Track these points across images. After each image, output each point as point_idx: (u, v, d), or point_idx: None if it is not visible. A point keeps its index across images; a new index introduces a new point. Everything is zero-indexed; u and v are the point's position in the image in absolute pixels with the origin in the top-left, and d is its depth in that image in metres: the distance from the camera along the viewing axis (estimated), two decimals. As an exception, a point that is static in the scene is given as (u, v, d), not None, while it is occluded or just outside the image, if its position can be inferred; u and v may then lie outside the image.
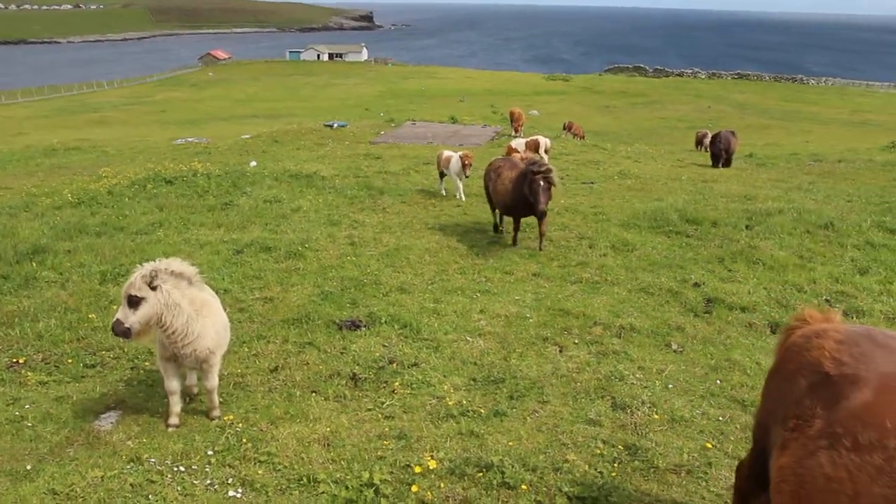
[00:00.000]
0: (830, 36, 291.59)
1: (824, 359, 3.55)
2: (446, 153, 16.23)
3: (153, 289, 5.67)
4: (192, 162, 19.89)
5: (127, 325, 5.65)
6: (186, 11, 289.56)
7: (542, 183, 11.09)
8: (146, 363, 7.66)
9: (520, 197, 11.51)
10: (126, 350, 7.98)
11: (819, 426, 3.30)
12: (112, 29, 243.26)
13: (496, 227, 13.25)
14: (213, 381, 6.35)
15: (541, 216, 11.44)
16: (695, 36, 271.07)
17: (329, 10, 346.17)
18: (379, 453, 5.77)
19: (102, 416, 6.50)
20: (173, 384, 6.22)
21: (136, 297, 5.63)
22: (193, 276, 5.97)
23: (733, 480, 5.47)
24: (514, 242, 12.18)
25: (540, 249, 11.77)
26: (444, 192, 16.32)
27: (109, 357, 7.86)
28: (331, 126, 33.65)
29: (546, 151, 20.22)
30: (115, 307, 8.94)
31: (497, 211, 13.05)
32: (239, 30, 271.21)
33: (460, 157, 15.34)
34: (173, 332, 5.81)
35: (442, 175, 16.33)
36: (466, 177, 15.62)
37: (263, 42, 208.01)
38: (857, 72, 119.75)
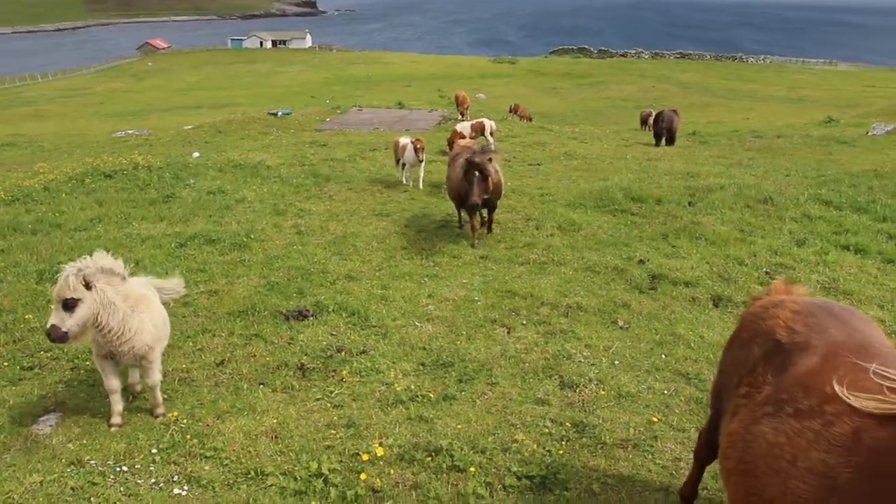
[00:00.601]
0: (761, 15, 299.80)
1: (778, 327, 3.61)
2: (402, 140, 15.95)
3: (88, 288, 5.49)
4: (132, 154, 19.35)
5: (64, 330, 5.46)
6: (123, 0, 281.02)
7: (475, 174, 10.58)
8: (86, 363, 7.45)
9: (461, 185, 11.01)
10: (65, 351, 7.73)
11: (767, 392, 3.35)
12: (45, 19, 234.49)
13: (460, 223, 12.53)
14: (155, 377, 6.20)
15: (471, 209, 10.92)
16: (634, 16, 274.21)
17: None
18: (327, 443, 5.72)
19: (41, 419, 6.31)
20: (113, 383, 6.07)
21: (72, 299, 5.44)
22: (124, 271, 5.80)
23: (679, 452, 5.61)
24: (473, 243, 11.34)
25: (487, 232, 11.65)
26: (404, 181, 16.01)
27: (47, 358, 7.63)
28: (275, 114, 33.14)
29: (491, 133, 20.24)
30: (52, 307, 8.71)
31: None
32: (178, 18, 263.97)
33: (412, 143, 15.15)
34: (109, 331, 5.66)
35: (399, 163, 16.07)
36: (421, 161, 15.31)
37: (204, 30, 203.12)
38: (791, 49, 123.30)
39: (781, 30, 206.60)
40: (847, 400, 2.88)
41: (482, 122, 20.51)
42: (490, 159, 10.86)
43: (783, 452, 3.02)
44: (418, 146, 15.04)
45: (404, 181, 16.03)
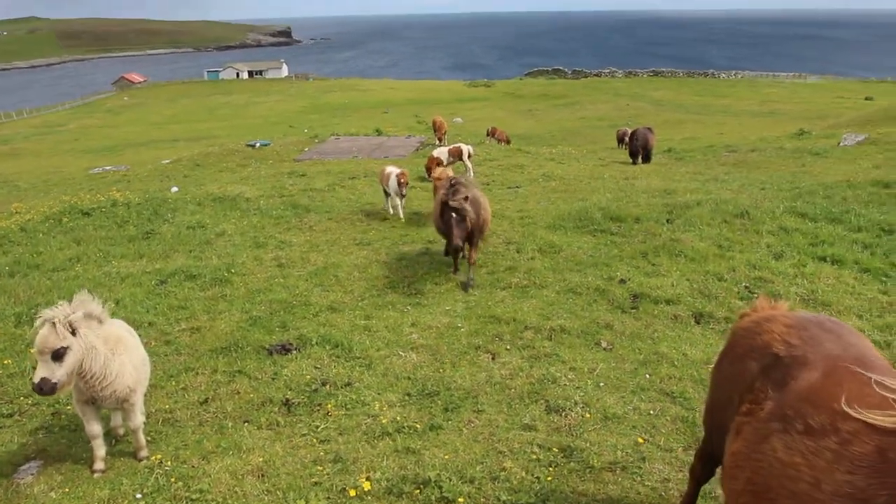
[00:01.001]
0: (723, 31, 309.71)
1: (774, 341, 3.61)
2: (388, 169, 15.64)
3: (74, 335, 5.36)
4: (110, 191, 19.24)
5: (54, 381, 5.27)
6: (97, 35, 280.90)
7: (452, 216, 10.11)
8: (67, 407, 7.34)
9: (441, 225, 10.63)
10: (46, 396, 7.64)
11: (770, 408, 3.30)
12: (18, 56, 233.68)
13: (446, 252, 11.95)
14: (138, 419, 6.11)
15: (454, 252, 10.77)
16: (604, 36, 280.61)
17: (245, 27, 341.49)
18: (314, 479, 5.68)
19: (22, 467, 6.20)
20: (95, 428, 5.97)
21: (62, 348, 5.26)
22: (102, 314, 5.73)
23: (667, 473, 5.62)
24: (454, 269, 11.30)
25: (466, 289, 10.38)
26: (391, 211, 15.61)
27: (27, 404, 7.51)
28: (253, 146, 33.15)
29: (469, 157, 20.37)
30: (32, 350, 8.60)
31: None
32: (154, 52, 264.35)
33: (396, 176, 14.95)
34: (91, 377, 5.57)
35: (386, 193, 15.84)
36: (403, 196, 15.12)
37: (180, 63, 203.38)
38: (755, 63, 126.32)
39: (744, 45, 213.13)
40: (861, 417, 2.83)
41: (459, 146, 20.63)
42: (466, 198, 10.29)
43: (801, 474, 2.93)
44: (402, 180, 14.81)
45: (387, 209, 15.86)
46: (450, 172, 15.33)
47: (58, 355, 5.26)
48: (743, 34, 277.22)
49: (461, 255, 11.30)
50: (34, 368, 5.38)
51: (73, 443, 6.63)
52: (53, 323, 5.26)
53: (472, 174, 20.39)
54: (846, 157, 22.87)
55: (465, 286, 10.47)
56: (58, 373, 5.27)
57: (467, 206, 10.24)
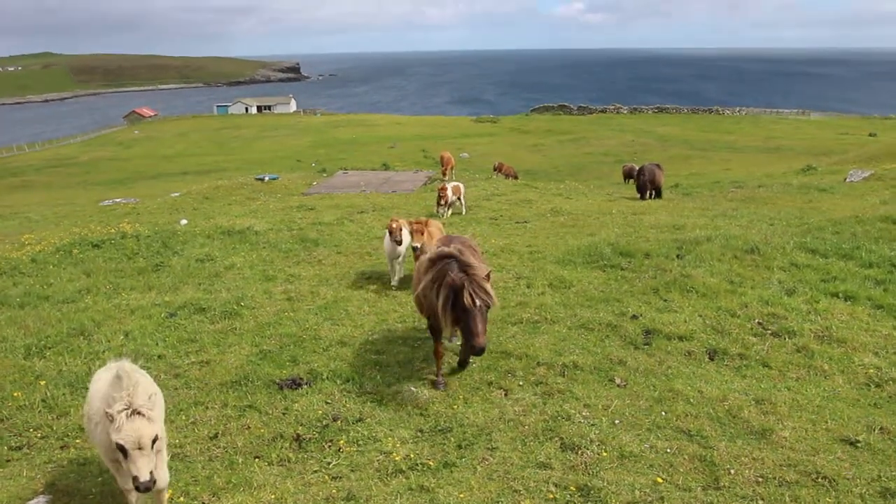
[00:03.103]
0: (718, 67, 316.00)
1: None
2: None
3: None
4: (120, 223, 19.34)
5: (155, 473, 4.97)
6: (109, 70, 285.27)
7: (473, 304, 7.23)
8: (77, 441, 7.30)
9: (446, 315, 7.53)
10: (54, 429, 7.60)
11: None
12: (32, 90, 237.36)
13: (438, 368, 8.53)
14: (166, 475, 5.58)
15: (478, 351, 7.25)
16: (605, 73, 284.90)
17: (255, 63, 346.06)
18: (327, 517, 5.58)
19: (30, 502, 6.13)
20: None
21: (157, 437, 4.99)
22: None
23: (685, 513, 5.49)
24: (437, 377, 8.31)
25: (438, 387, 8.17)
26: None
27: (37, 437, 7.47)
28: (262, 179, 33.37)
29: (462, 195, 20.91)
30: (42, 382, 8.57)
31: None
32: (164, 86, 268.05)
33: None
34: None
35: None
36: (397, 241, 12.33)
37: (190, 97, 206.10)
38: (753, 99, 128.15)
39: (742, 81, 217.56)
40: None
41: (458, 185, 20.94)
42: (488, 275, 7.64)
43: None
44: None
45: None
46: (439, 226, 12.54)
47: (155, 441, 4.99)
48: (740, 71, 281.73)
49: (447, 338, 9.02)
50: (126, 461, 4.92)
51: (81, 477, 6.55)
52: (142, 413, 4.94)
53: (464, 210, 21.20)
54: (853, 192, 22.89)
55: (437, 376, 8.30)
56: (154, 462, 4.99)
57: (490, 290, 7.52)
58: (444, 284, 7.45)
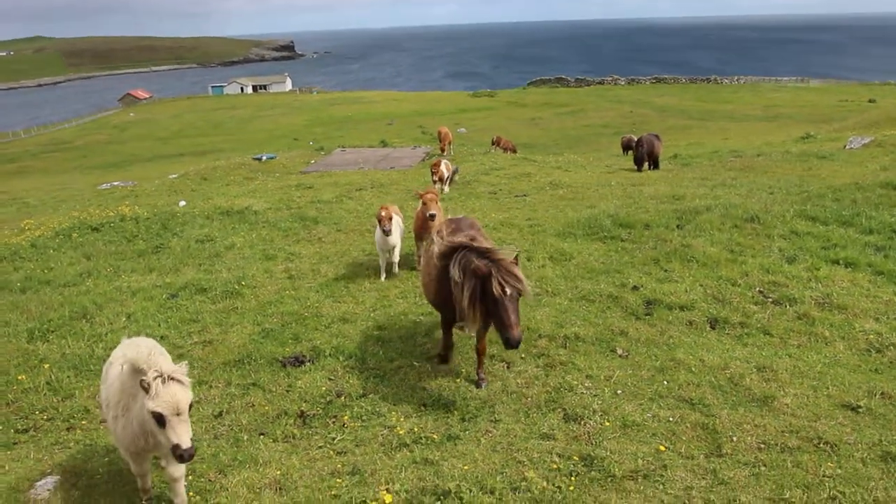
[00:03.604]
0: (713, 36, 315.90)
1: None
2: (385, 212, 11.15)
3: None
4: (118, 206, 19.30)
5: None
6: (101, 53, 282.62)
7: (505, 294, 6.52)
8: (83, 422, 7.34)
9: (469, 306, 6.84)
10: (60, 411, 7.63)
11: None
12: (25, 75, 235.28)
13: (444, 354, 8.20)
14: (182, 465, 5.38)
15: (514, 344, 6.49)
16: (599, 44, 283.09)
17: (249, 42, 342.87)
18: (333, 492, 5.63)
19: (38, 483, 6.16)
20: (145, 466, 5.55)
21: (191, 403, 4.84)
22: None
23: (690, 481, 5.55)
24: (444, 360, 8.13)
25: (478, 385, 7.51)
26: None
27: (43, 419, 7.51)
28: (259, 159, 33.20)
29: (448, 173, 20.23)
30: (46, 365, 8.60)
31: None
32: (158, 68, 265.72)
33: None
34: None
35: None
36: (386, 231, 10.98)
37: (185, 78, 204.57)
38: (748, 67, 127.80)
39: (736, 49, 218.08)
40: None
41: (448, 163, 20.59)
42: (517, 258, 6.91)
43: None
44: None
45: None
46: (437, 206, 11.32)
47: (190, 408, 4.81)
48: (732, 40, 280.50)
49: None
50: (163, 432, 4.71)
51: (88, 458, 6.59)
52: (177, 378, 4.77)
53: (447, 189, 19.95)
54: (853, 159, 22.77)
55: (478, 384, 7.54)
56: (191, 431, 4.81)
57: (521, 275, 6.76)
58: (468, 274, 6.78)
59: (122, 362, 5.23)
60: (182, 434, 4.64)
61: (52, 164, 61.42)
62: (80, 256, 14.14)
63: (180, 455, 4.65)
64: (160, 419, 4.65)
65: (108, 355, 5.61)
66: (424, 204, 11.09)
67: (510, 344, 6.49)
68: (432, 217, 10.81)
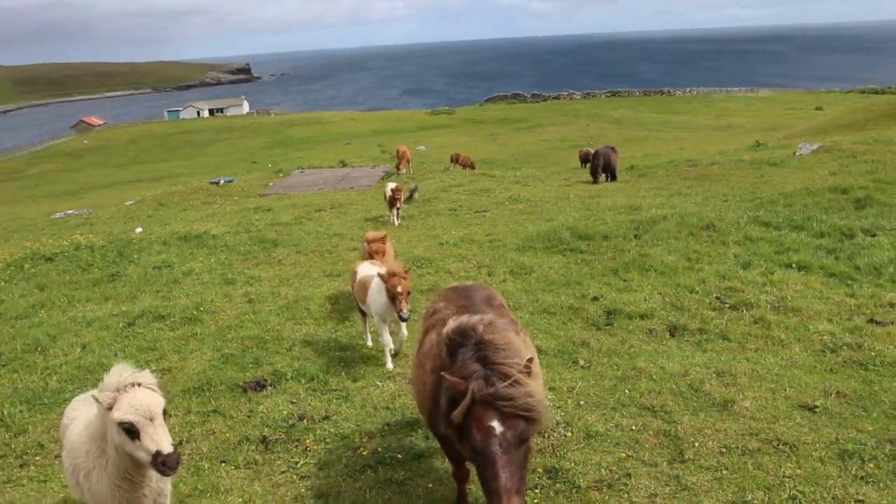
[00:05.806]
0: (657, 50, 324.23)
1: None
2: (362, 272, 9.19)
3: None
4: (73, 235, 18.91)
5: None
6: (53, 80, 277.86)
7: (494, 431, 3.85)
8: (36, 458, 7.12)
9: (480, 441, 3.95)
10: (13, 447, 7.40)
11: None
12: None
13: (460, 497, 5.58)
14: (168, 487, 4.97)
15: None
16: (550, 60, 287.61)
17: (204, 65, 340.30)
18: (297, 517, 5.54)
19: (-11, 524, 5.97)
20: None
21: (164, 408, 4.30)
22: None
23: (653, 488, 5.58)
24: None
25: None
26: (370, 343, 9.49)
27: (-6, 457, 7.26)
28: (217, 183, 32.88)
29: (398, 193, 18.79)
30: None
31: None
32: (113, 94, 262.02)
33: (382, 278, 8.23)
34: None
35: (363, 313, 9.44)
36: (403, 318, 8.21)
37: (140, 104, 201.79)
38: (692, 79, 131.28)
39: (682, 62, 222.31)
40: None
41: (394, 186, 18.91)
42: (528, 365, 4.06)
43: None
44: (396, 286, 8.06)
45: (370, 343, 9.60)
46: (389, 249, 10.75)
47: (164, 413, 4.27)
48: (682, 52, 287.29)
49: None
50: (137, 443, 4.12)
51: (43, 495, 6.39)
52: (142, 384, 4.22)
53: (396, 221, 18.34)
54: (803, 165, 23.40)
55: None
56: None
57: (536, 399, 3.98)
58: (445, 391, 4.24)
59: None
60: (160, 438, 4.06)
61: (3, 193, 59.89)
62: (32, 288, 13.79)
63: (163, 462, 4.02)
64: (131, 430, 4.07)
65: (62, 387, 5.45)
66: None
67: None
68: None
